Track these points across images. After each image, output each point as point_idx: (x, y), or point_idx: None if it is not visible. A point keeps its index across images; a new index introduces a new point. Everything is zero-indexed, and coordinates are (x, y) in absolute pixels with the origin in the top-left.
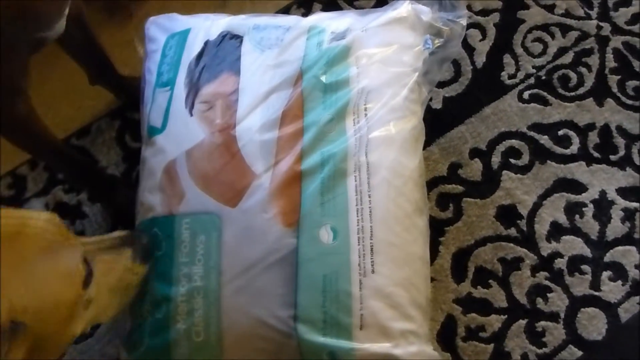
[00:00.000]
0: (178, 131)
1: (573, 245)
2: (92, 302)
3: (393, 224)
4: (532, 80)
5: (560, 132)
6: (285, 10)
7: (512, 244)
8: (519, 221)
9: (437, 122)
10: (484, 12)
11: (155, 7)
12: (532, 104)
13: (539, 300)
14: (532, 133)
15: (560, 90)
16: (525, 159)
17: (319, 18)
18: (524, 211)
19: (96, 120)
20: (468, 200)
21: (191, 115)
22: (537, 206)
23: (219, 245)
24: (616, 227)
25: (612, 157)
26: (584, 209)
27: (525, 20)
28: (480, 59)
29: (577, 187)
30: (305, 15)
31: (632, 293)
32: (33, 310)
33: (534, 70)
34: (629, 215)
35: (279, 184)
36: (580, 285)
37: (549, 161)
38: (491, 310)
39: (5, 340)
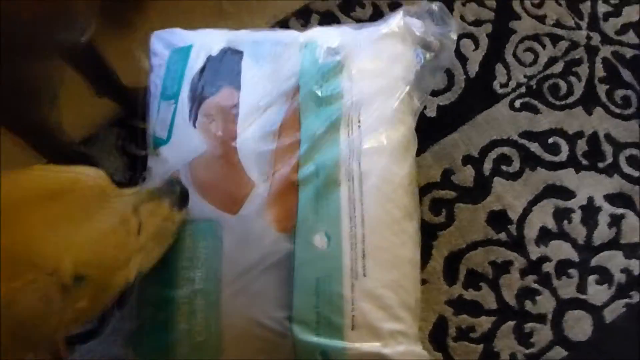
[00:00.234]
0: (182, 142)
1: (561, 250)
2: (142, 250)
3: (383, 229)
4: (523, 89)
5: (550, 140)
6: (284, 21)
7: (502, 248)
8: (509, 226)
9: (431, 130)
10: (477, 23)
11: (155, 16)
12: (523, 112)
13: (528, 302)
14: (522, 140)
15: (551, 99)
16: (515, 165)
17: (314, 34)
18: (514, 216)
19: (101, 129)
20: (460, 206)
21: (194, 127)
22: (526, 211)
23: (219, 251)
24: (603, 232)
25: (600, 164)
26: (572, 214)
27: (516, 30)
28: (473, 68)
29: (566, 193)
30: (303, 25)
31: (617, 296)
32: (95, 262)
33: (525, 80)
34: (615, 220)
35: (277, 192)
36: (567, 288)
37: (538, 168)
38: (481, 311)
39: (70, 294)
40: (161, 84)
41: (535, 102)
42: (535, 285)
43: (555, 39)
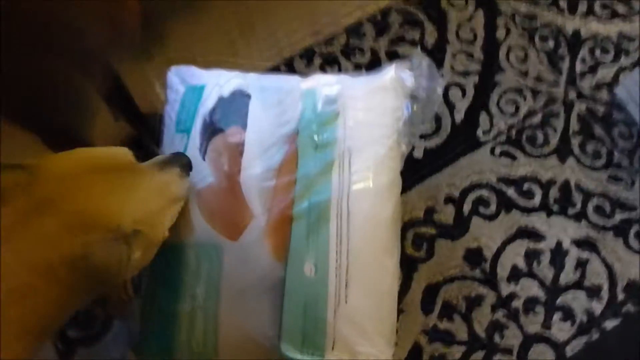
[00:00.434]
0: (192, 173)
1: (529, 288)
2: (168, 209)
3: (365, 263)
4: (503, 137)
5: (525, 186)
6: (290, 59)
7: (476, 283)
8: (483, 263)
9: (417, 170)
10: (465, 74)
11: (172, 44)
12: (503, 158)
13: (496, 335)
14: (500, 185)
15: (528, 148)
16: (492, 207)
17: (314, 82)
18: (488, 254)
19: None
20: (440, 242)
21: (204, 159)
22: (500, 250)
23: (219, 272)
24: (569, 274)
25: (570, 211)
26: (541, 256)
27: (501, 83)
28: (459, 116)
29: (537, 236)
30: (307, 66)
31: (578, 334)
32: (145, 219)
33: (506, 128)
34: (580, 264)
35: (273, 224)
36: (533, 324)
37: (513, 210)
38: (453, 341)
39: (129, 246)
40: (175, 118)
41: (514, 150)
42: (504, 320)
43: (535, 93)
